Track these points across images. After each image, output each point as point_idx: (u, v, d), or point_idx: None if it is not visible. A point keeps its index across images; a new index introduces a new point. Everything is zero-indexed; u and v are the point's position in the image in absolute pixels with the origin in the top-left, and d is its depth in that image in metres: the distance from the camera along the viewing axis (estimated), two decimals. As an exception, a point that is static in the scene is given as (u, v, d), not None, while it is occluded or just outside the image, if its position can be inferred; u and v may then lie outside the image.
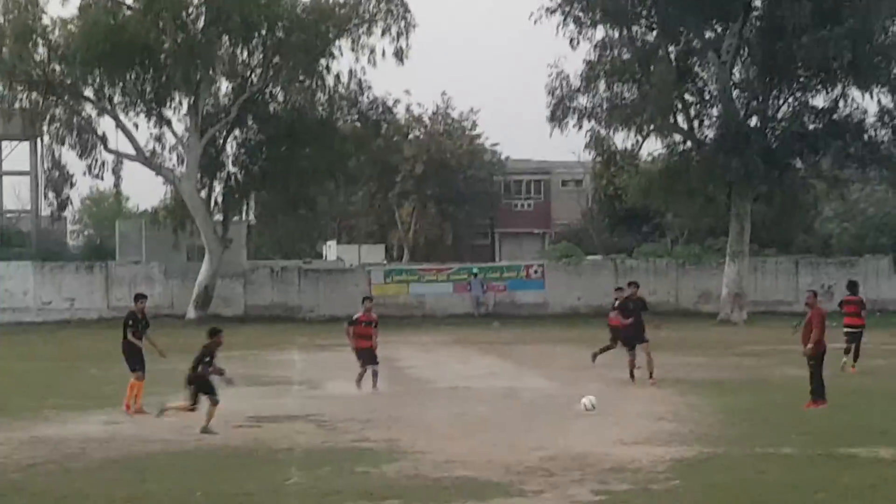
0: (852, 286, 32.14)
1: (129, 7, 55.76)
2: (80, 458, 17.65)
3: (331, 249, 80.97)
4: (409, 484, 15.22)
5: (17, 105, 58.56)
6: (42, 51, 56.10)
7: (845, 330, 30.46)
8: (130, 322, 23.76)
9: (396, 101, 64.53)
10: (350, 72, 59.47)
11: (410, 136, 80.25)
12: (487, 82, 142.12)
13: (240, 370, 32.69)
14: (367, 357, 26.72)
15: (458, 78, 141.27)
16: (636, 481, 15.21)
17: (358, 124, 61.49)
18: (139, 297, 24.60)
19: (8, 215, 79.39)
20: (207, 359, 20.27)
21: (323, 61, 58.22)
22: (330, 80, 59.39)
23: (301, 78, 58.84)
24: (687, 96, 56.29)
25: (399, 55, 57.38)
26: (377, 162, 67.65)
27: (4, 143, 75.00)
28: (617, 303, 31.60)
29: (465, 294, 60.61)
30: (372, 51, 57.67)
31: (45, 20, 55.77)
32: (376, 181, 78.05)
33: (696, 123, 56.70)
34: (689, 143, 56.80)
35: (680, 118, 56.44)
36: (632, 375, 27.34)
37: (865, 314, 31.39)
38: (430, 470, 16.25)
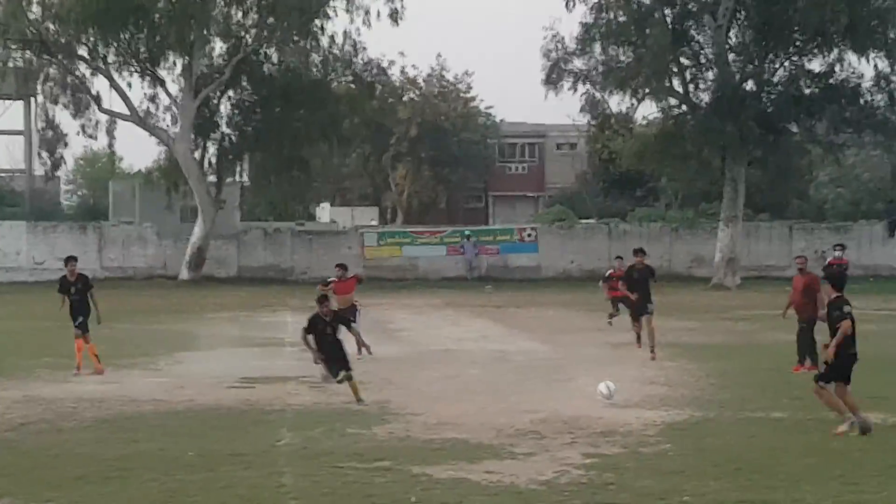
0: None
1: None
2: (73, 418, 17.69)
3: (324, 211, 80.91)
4: (399, 445, 15.25)
5: (10, 64, 58.39)
6: (36, 9, 55.89)
7: None
8: (59, 286, 23.91)
9: (391, 63, 64.58)
10: (345, 33, 59.42)
11: (405, 99, 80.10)
12: (482, 45, 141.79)
13: (232, 331, 32.83)
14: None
15: (452, 40, 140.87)
16: (627, 444, 15.25)
17: (352, 86, 61.41)
18: (68, 261, 24.57)
19: (1, 175, 79.26)
20: (306, 327, 19.10)
21: (318, 22, 58.03)
22: (324, 41, 59.33)
23: (295, 38, 58.68)
24: (682, 60, 56.12)
25: (394, 16, 57.23)
26: (371, 124, 67.52)
27: (-2, 102, 74.77)
28: (609, 273, 32.04)
29: (458, 257, 60.61)
30: (367, 12, 57.58)
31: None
32: (370, 143, 77.93)
33: (691, 87, 56.53)
34: (684, 107, 56.68)
35: (675, 82, 56.28)
36: (638, 339, 26.37)
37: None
38: (421, 432, 16.29)
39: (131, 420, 17.51)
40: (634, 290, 26.26)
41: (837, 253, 32.30)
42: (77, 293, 23.59)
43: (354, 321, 24.86)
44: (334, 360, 18.82)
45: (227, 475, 13.46)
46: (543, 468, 13.79)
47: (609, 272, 32.89)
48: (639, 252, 26.94)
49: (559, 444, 15.32)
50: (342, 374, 18.57)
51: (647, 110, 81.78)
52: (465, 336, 31.35)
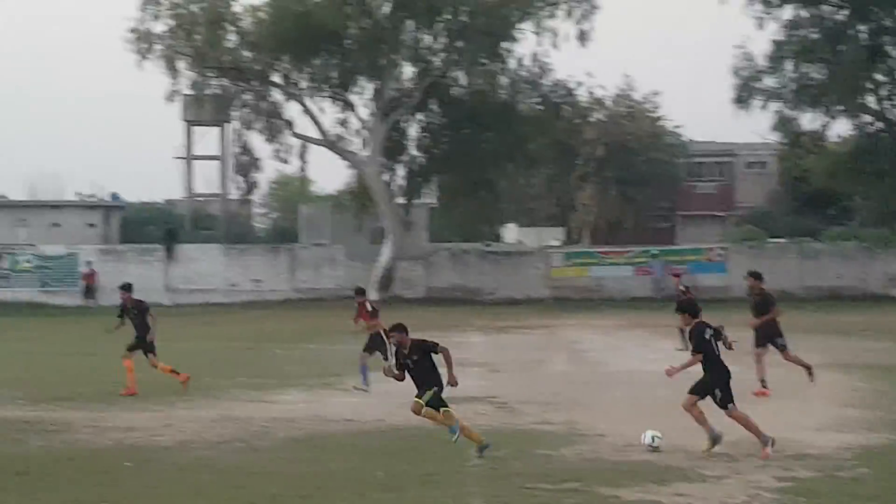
0: None
1: (317, -7, 56.66)
2: (266, 437, 18.02)
3: (511, 232, 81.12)
4: (588, 467, 15.15)
5: (207, 91, 60.12)
6: (233, 37, 57.46)
7: None
8: (119, 313, 24.63)
9: (578, 84, 64.36)
10: (533, 55, 59.71)
11: (592, 119, 79.81)
12: (671, 64, 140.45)
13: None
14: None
15: (640, 59, 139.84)
16: (821, 468, 14.88)
17: (539, 107, 61.48)
18: (121, 288, 25.16)
19: (198, 199, 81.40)
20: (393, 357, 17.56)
21: (505, 44, 58.39)
22: (512, 63, 59.68)
23: (484, 61, 59.10)
24: (877, 76, 54.86)
25: (582, 37, 57.32)
26: (558, 145, 67.51)
27: (195, 129, 76.90)
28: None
29: (645, 277, 60.13)
30: (555, 33, 57.72)
31: (236, 7, 57.27)
32: (556, 164, 77.83)
33: (886, 104, 55.22)
34: (879, 124, 55.35)
35: (870, 98, 55.04)
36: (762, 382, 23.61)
37: None
38: (610, 453, 16.16)
39: (322, 439, 17.75)
40: (757, 317, 25.18)
41: None
42: (138, 317, 24.18)
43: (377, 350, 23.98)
44: (419, 385, 16.46)
45: (416, 496, 13.56)
46: (734, 491, 13.56)
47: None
48: (750, 275, 26.00)
49: (751, 466, 15.04)
50: (425, 395, 16.21)
51: (841, 128, 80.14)
52: (652, 357, 31.03)
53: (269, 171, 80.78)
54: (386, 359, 22.94)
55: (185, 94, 62.12)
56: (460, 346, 35.23)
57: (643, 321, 44.90)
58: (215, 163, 78.71)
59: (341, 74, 57.78)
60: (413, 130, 62.21)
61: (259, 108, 60.76)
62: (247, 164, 64.69)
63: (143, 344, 23.99)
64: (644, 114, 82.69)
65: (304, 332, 40.50)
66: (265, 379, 25.42)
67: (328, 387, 24.32)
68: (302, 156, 62.88)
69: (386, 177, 60.63)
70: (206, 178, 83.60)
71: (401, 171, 62.30)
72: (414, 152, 62.25)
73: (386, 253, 58.56)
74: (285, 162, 63.57)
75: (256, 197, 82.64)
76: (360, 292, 26.27)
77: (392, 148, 60.35)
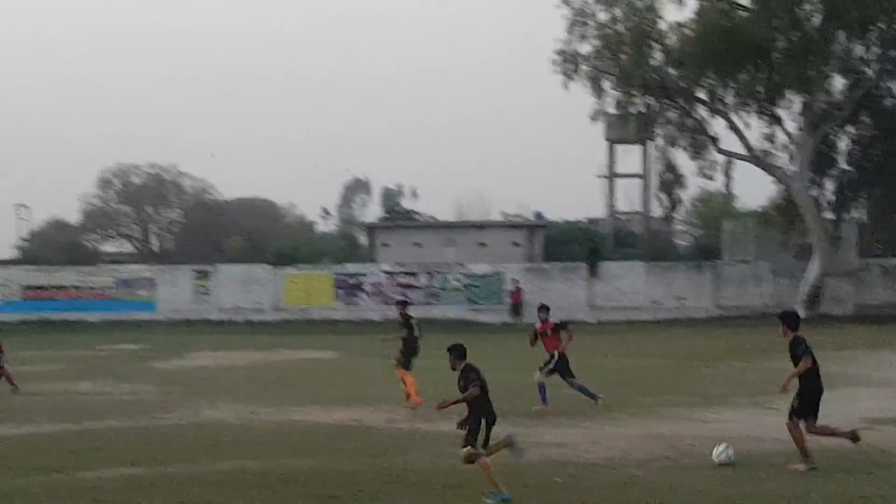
0: None
1: (744, 8, 56.12)
2: (694, 455, 17.83)
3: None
4: None
5: (631, 109, 60.60)
6: (658, 55, 57.71)
7: None
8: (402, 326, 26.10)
9: None
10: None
11: None
12: None
13: (851, 370, 31.95)
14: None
15: None
16: None
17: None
18: (398, 303, 27.49)
19: (620, 217, 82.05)
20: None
21: (943, 52, 56.15)
22: (950, 72, 57.26)
23: (920, 70, 57.05)
24: None
25: None
26: None
27: (618, 147, 77.59)
28: None
29: None
30: None
31: (662, 25, 57.48)
32: None
33: None
34: None
35: None
36: None
37: None
38: None
39: (754, 459, 17.39)
40: None
41: None
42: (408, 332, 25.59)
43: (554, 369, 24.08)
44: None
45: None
46: None
47: None
48: None
49: None
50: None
51: None
52: None
53: (691, 187, 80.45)
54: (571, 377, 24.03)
55: (609, 113, 62.88)
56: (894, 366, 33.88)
57: None
58: (637, 181, 79.13)
59: (768, 88, 56.88)
60: (843, 143, 60.60)
61: (683, 125, 60.71)
62: (670, 182, 64.72)
63: (409, 357, 25.35)
64: None
65: (730, 350, 40.01)
66: (691, 397, 25.24)
67: (757, 406, 23.86)
68: (727, 172, 62.50)
69: (814, 191, 59.22)
70: (628, 196, 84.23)
71: (829, 186, 60.80)
72: (843, 166, 60.60)
73: (813, 269, 57.17)
74: (710, 178, 63.31)
75: (678, 214, 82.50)
76: (544, 309, 25.14)
77: (820, 162, 58.94)
